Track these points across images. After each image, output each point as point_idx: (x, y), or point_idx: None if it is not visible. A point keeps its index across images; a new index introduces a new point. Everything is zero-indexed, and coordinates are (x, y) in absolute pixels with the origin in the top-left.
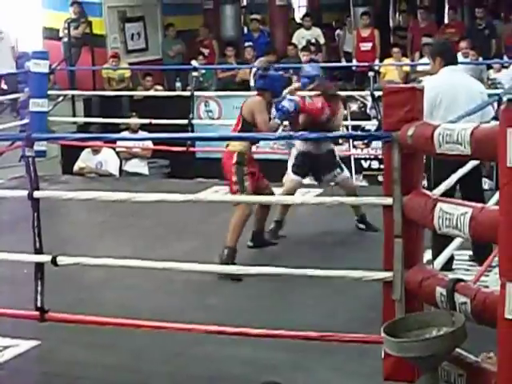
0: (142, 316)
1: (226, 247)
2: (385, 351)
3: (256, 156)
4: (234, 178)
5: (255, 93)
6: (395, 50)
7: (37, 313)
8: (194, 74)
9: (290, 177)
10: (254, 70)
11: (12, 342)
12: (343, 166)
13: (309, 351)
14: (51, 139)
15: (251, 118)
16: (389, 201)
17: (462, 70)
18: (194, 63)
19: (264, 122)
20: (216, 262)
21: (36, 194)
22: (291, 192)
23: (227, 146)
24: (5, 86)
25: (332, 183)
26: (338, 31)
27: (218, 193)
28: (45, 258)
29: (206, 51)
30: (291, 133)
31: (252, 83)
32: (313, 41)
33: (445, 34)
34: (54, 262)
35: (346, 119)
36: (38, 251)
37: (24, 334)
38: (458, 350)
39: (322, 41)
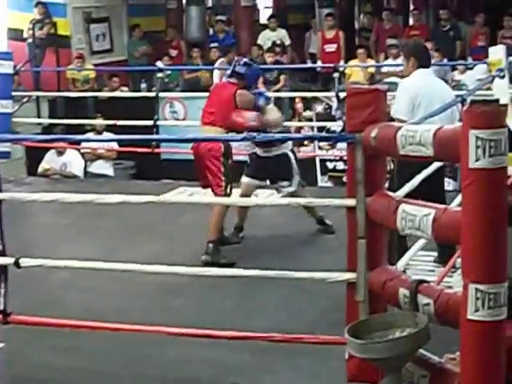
0: (107, 318)
1: (210, 241)
2: (348, 352)
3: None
4: (222, 170)
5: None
6: (360, 51)
7: None
8: (159, 75)
9: (242, 179)
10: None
11: None
12: (296, 177)
13: (274, 352)
14: (16, 140)
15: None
16: (352, 202)
17: (432, 73)
18: (159, 64)
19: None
20: (179, 264)
21: None
22: (245, 194)
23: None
24: None
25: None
26: (307, 34)
27: (183, 194)
28: (8, 261)
29: (174, 52)
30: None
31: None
32: (278, 42)
33: (410, 36)
34: (16, 264)
35: (310, 120)
36: (1, 253)
37: None
38: (421, 351)
39: (287, 42)
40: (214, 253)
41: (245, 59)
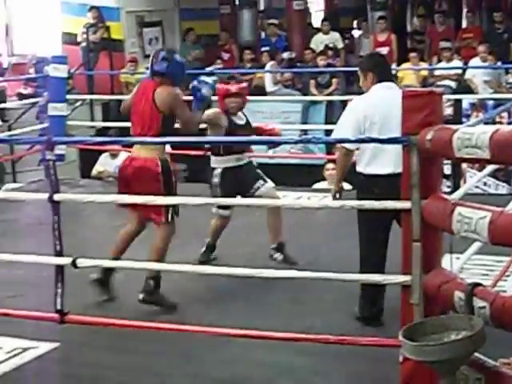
0: (162, 318)
1: (150, 278)
2: (403, 355)
3: (273, 161)
4: (163, 191)
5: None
6: (413, 54)
7: (56, 315)
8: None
9: (214, 211)
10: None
11: (32, 344)
12: (265, 176)
13: (327, 355)
14: (71, 143)
15: (170, 113)
16: (407, 205)
17: (395, 87)
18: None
19: (190, 118)
20: (232, 265)
21: (56, 196)
22: (222, 228)
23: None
24: (24, 91)
25: (257, 193)
26: (353, 32)
27: None
28: (65, 261)
29: (226, 56)
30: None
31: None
32: (330, 45)
33: (463, 39)
34: (74, 264)
35: None
36: (59, 253)
37: (44, 336)
38: (476, 354)
39: (340, 45)
40: (154, 291)
41: (162, 53)
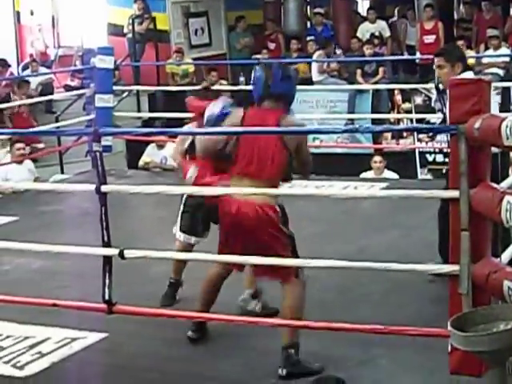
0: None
1: (288, 347)
2: (451, 345)
3: (320, 150)
4: (284, 238)
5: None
6: (460, 42)
7: (104, 305)
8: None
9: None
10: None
11: (80, 334)
12: None
13: (374, 345)
14: (118, 134)
15: (295, 151)
16: (455, 194)
17: None
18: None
19: (310, 157)
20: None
21: (104, 188)
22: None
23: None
24: (71, 83)
25: None
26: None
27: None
28: (112, 252)
29: (272, 45)
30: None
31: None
32: (377, 34)
33: (511, 26)
34: (121, 255)
35: (409, 112)
36: (106, 244)
37: (92, 327)
38: None
39: (386, 34)
40: (298, 361)
41: (279, 70)
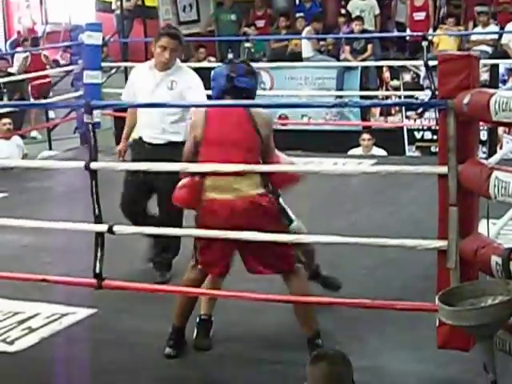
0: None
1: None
2: (439, 320)
3: (309, 127)
4: (283, 223)
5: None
6: (450, 19)
7: (94, 280)
8: (247, 44)
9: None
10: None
11: (70, 310)
12: None
13: (361, 320)
14: (109, 106)
15: (266, 141)
16: (444, 169)
17: None
18: (248, 30)
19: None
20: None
21: (93, 164)
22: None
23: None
24: (61, 60)
25: None
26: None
27: None
28: (102, 228)
29: (261, 22)
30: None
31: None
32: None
33: (499, 3)
34: (110, 230)
35: (398, 89)
36: (98, 219)
37: (81, 303)
38: None
39: (376, 11)
40: None
41: (242, 65)
